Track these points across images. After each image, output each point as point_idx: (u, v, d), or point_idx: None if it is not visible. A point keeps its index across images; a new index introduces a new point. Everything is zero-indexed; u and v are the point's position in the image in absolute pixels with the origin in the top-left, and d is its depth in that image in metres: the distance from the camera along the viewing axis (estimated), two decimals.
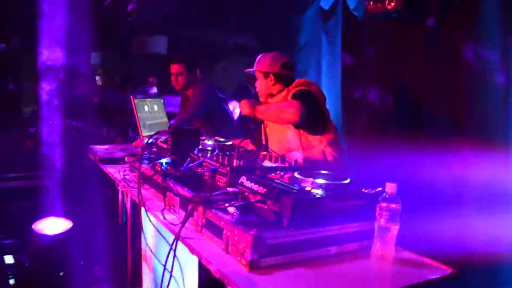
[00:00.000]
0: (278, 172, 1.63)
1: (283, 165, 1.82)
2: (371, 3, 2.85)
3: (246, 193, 1.44)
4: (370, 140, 3.35)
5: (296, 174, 1.52)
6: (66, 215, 2.97)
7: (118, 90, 7.01)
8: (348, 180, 1.51)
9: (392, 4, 2.70)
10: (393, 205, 1.32)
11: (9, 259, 3.45)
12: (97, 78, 10.23)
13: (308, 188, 1.40)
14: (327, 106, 2.45)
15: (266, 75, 2.53)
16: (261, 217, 1.36)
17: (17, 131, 5.13)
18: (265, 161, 1.87)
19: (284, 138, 2.49)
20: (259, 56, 2.62)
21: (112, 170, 2.47)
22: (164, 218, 1.62)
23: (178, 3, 6.11)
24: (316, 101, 2.32)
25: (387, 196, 1.33)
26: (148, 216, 1.79)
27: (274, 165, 1.80)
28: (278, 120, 2.32)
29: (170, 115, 3.32)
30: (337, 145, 2.43)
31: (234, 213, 1.39)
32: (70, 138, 4.16)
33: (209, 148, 2.11)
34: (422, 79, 2.94)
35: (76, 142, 4.03)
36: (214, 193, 1.49)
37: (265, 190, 1.34)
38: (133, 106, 2.59)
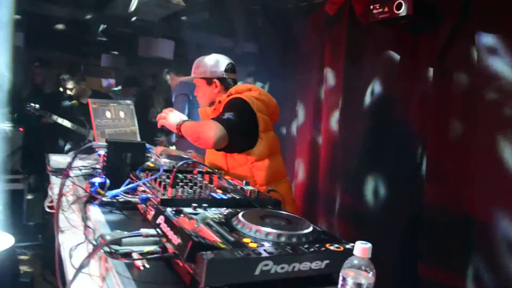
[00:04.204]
0: (224, 209, 1.24)
1: (236, 196, 1.41)
2: (377, 7, 2.45)
3: (165, 239, 1.04)
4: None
5: (240, 216, 1.11)
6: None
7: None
8: (310, 229, 1.10)
9: (401, 8, 2.28)
10: (364, 275, 0.91)
11: None
12: (112, 80, 10.05)
13: (246, 240, 1.00)
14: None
15: (209, 81, 2.20)
16: (178, 277, 0.97)
17: None
18: (217, 191, 1.47)
19: (210, 156, 2.16)
20: (197, 60, 2.25)
21: (55, 183, 2.10)
22: (70, 258, 1.23)
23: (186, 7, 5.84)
24: (243, 114, 1.98)
25: (355, 261, 0.92)
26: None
27: (225, 196, 1.40)
28: (195, 143, 1.95)
29: None
30: (273, 161, 2.07)
31: (141, 268, 1.00)
32: None
33: (161, 167, 1.71)
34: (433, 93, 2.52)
35: None
36: (125, 235, 1.10)
37: (179, 241, 0.94)
38: (90, 111, 2.22)
